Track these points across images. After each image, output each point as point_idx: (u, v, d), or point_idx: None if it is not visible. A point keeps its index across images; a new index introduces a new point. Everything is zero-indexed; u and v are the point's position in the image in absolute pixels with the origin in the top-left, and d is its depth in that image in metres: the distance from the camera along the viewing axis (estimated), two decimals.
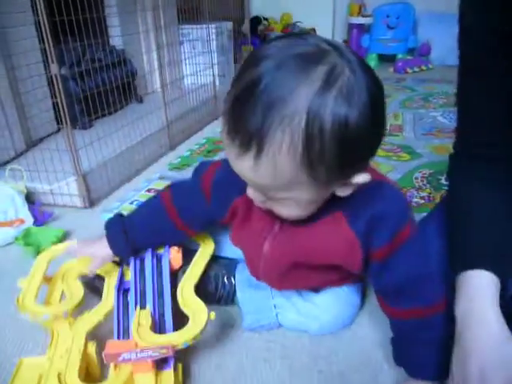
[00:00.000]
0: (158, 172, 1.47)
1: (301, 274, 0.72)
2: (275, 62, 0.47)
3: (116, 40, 1.98)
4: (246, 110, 0.47)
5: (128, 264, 0.81)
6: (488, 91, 0.68)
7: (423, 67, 2.89)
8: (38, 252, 1.03)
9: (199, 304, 0.73)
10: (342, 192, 0.56)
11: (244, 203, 0.67)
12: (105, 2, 1.89)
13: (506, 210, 0.66)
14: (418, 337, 0.64)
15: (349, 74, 0.47)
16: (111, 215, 0.86)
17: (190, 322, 0.69)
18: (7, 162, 1.44)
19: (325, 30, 3.22)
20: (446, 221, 0.72)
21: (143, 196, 1.29)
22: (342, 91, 0.46)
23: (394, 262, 0.62)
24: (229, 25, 2.42)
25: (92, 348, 0.70)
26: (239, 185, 0.58)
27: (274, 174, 0.49)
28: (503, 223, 0.65)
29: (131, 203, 1.25)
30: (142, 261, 0.82)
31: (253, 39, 2.89)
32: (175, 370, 0.67)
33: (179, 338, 0.66)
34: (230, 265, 0.85)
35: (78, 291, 0.79)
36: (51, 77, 1.50)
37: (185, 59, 2.11)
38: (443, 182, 1.29)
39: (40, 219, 1.16)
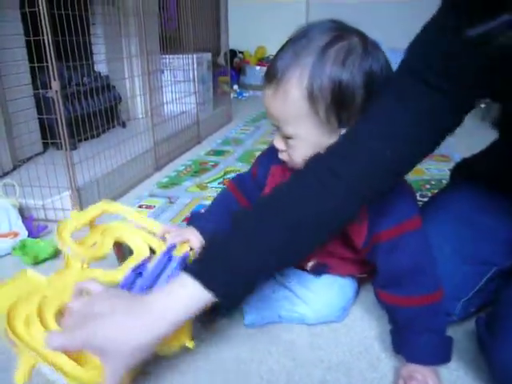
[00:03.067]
0: (147, 190, 1.51)
1: None
2: (318, 26, 0.67)
3: (101, 67, 2.05)
4: (282, 52, 0.67)
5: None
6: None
7: None
8: (35, 262, 1.05)
9: None
10: None
11: (278, 170, 0.82)
12: (91, 30, 1.96)
13: None
14: (419, 323, 0.69)
15: (357, 42, 0.66)
16: None
17: None
18: None
19: None
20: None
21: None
22: (343, 51, 0.65)
23: (403, 243, 0.70)
24: (208, 56, 2.51)
25: None
26: (273, 158, 0.78)
27: (285, 103, 0.66)
28: None
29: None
30: (169, 259, 0.83)
31: (229, 70, 3.00)
32: None
33: None
34: None
35: (107, 247, 0.84)
36: (40, 97, 1.55)
37: (166, 87, 2.19)
38: None
39: (34, 232, 1.18)
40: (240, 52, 3.46)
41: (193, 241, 0.84)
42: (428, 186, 1.49)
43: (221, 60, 3.35)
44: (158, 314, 0.58)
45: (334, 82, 0.64)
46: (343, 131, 0.67)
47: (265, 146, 0.95)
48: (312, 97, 0.65)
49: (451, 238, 0.78)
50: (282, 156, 0.75)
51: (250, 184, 0.90)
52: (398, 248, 0.71)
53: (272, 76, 0.67)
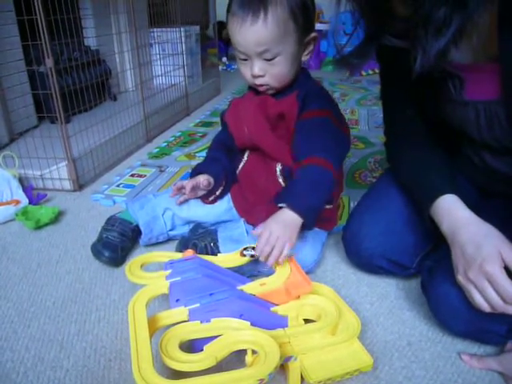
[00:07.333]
0: (139, 160, 1.60)
1: (266, 128, 0.96)
2: None
3: (90, 41, 2.10)
4: None
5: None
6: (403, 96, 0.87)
7: (376, 70, 3.12)
8: (37, 226, 1.15)
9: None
10: (305, 56, 0.91)
11: (237, 100, 1.04)
12: (80, 5, 2.00)
13: (432, 156, 0.83)
14: (310, 179, 0.85)
15: None
16: (102, 196, 1.17)
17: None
18: None
19: None
20: (394, 180, 0.91)
21: (128, 180, 1.42)
22: None
23: (314, 121, 0.90)
24: (197, 29, 2.56)
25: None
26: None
27: (277, 25, 0.81)
28: (437, 163, 0.82)
29: (117, 186, 1.38)
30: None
31: (218, 43, 3.04)
32: None
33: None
34: (212, 232, 1.00)
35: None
36: (33, 73, 1.62)
37: (155, 60, 2.24)
38: None
39: (34, 200, 1.27)
40: None
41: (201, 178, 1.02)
42: None
43: (210, 32, 3.38)
44: None
45: (302, 4, 0.84)
46: (309, 37, 0.88)
47: None
48: (293, 13, 0.83)
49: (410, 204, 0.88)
50: (261, 81, 0.89)
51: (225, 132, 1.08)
52: (310, 122, 0.90)
53: (256, 11, 0.81)
